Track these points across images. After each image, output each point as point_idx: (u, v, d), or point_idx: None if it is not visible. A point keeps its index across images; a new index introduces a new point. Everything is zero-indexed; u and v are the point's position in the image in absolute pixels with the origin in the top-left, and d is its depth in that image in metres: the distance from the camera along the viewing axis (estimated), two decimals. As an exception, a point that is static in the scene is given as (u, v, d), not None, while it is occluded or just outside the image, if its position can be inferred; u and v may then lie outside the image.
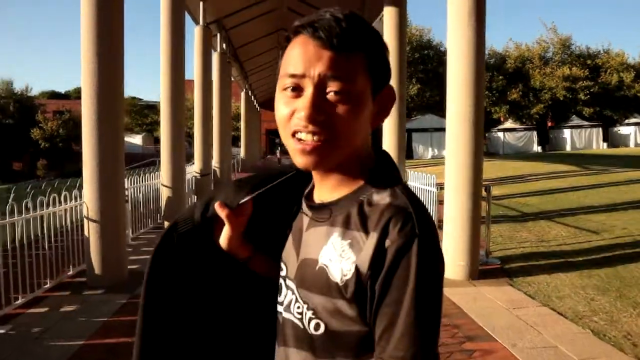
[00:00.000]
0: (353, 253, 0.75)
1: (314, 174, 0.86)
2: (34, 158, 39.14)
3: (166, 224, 8.43)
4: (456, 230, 5.43)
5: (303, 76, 0.75)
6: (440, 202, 7.48)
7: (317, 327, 0.79)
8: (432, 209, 7.27)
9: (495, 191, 12.49)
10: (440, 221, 7.09)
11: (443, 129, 22.03)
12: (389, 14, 8.92)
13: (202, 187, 11.91)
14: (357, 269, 0.74)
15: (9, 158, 40.11)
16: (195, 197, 11.74)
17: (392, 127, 8.55)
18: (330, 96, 0.75)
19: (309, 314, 0.80)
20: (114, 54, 5.03)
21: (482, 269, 5.59)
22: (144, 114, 44.82)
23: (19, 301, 4.42)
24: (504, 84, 33.17)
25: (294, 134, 0.78)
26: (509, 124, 34.03)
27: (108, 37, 4.95)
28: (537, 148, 32.92)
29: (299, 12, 13.18)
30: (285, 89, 0.78)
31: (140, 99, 48.18)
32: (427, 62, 34.03)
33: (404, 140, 8.68)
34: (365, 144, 0.83)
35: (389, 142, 8.60)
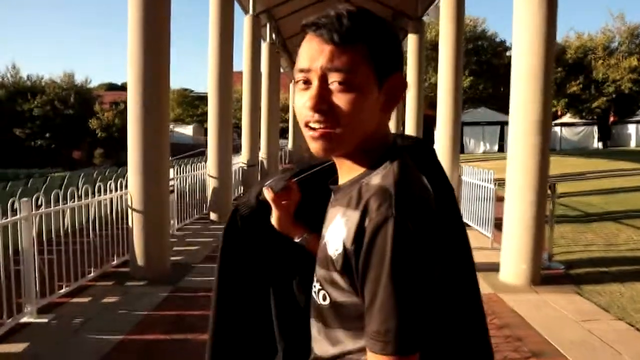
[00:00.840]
0: (345, 230, 0.80)
1: (334, 159, 0.92)
2: (92, 147, 40.79)
3: (212, 214, 8.36)
4: (518, 231, 4.99)
5: (309, 70, 0.83)
6: (498, 200, 7.02)
7: (324, 298, 0.86)
8: (488, 206, 6.80)
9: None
10: (498, 219, 6.66)
11: (496, 123, 21.34)
12: (445, 1, 8.45)
13: (249, 178, 11.84)
14: (343, 244, 0.80)
15: (69, 147, 42.05)
16: (242, 187, 11.70)
17: (446, 119, 8.09)
18: (333, 87, 0.82)
19: (317, 285, 0.88)
20: (160, 45, 4.91)
21: (544, 274, 5.13)
22: (194, 105, 45.67)
23: (63, 290, 4.38)
24: (562, 76, 31.44)
25: (306, 124, 0.85)
26: (567, 118, 32.30)
27: (154, 28, 4.83)
28: (597, 144, 31.08)
29: (350, 1, 12.85)
30: (297, 83, 0.86)
31: (192, 90, 49.11)
32: (481, 54, 32.80)
33: (459, 133, 8.22)
34: (377, 130, 0.87)
35: (442, 134, 8.15)
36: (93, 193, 5.06)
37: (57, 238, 4.47)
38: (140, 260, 4.93)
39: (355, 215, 0.79)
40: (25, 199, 3.87)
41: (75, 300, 4.36)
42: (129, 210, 4.98)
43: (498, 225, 6.60)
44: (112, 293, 4.52)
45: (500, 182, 7.13)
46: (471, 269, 0.97)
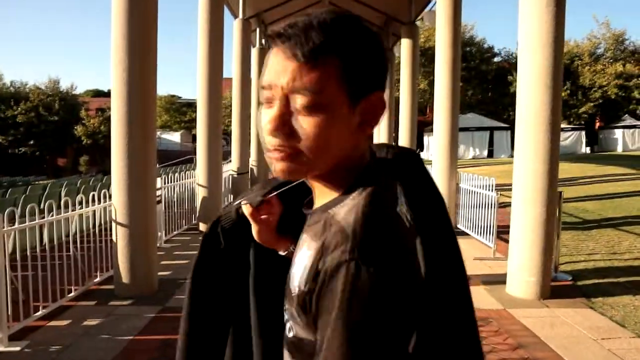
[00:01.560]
0: (304, 266, 0.72)
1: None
2: (77, 154, 40.18)
3: (201, 225, 8.02)
4: (525, 242, 4.74)
5: (272, 87, 0.72)
6: (500, 206, 6.80)
7: (289, 329, 0.79)
8: (490, 214, 6.56)
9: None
10: (502, 227, 6.43)
11: (485, 129, 21.30)
12: (442, 4, 8.23)
13: (239, 186, 11.51)
14: (299, 283, 0.73)
15: (54, 154, 41.34)
16: (232, 196, 11.36)
17: (443, 125, 7.86)
18: (297, 108, 0.71)
19: (285, 315, 0.80)
20: (146, 51, 4.59)
21: (552, 286, 4.89)
22: (182, 112, 45.37)
23: (39, 312, 4.02)
24: (551, 81, 31.61)
25: (266, 146, 0.76)
26: (555, 123, 32.46)
27: (140, 33, 4.51)
28: (585, 149, 31.25)
29: (339, 6, 12.64)
30: (262, 100, 0.76)
31: (179, 97, 48.72)
32: (470, 60, 32.81)
33: (456, 140, 7.98)
34: (352, 152, 0.76)
35: (439, 141, 7.92)
36: (74, 205, 4.69)
37: (35, 254, 4.11)
38: (125, 278, 4.59)
39: (314, 253, 0.71)
40: (-4, 213, 3.52)
41: (52, 323, 3.99)
42: (113, 224, 4.64)
43: (498, 233, 6.41)
44: (94, 314, 4.16)
45: (498, 189, 6.91)
46: (463, 283, 0.87)
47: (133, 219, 4.56)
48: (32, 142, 39.43)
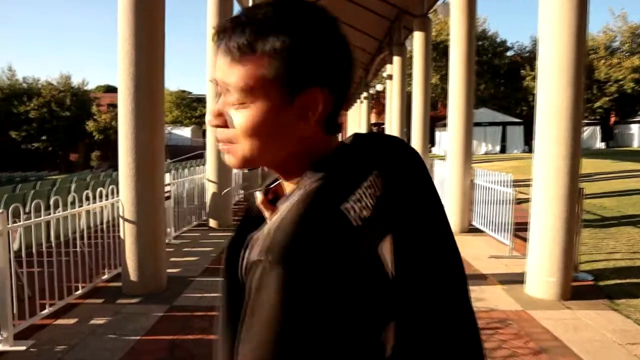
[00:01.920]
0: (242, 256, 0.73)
1: None
2: (89, 149, 40.43)
3: (211, 221, 7.92)
4: (545, 241, 4.57)
5: (217, 83, 0.73)
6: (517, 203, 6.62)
7: None
8: (506, 212, 6.37)
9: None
10: (520, 224, 6.24)
11: (497, 124, 21.01)
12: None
13: (250, 181, 11.41)
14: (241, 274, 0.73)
15: (66, 149, 41.64)
16: (243, 191, 11.27)
17: (458, 121, 7.67)
18: (228, 102, 0.72)
19: None
20: (154, 43, 4.46)
21: (572, 286, 4.70)
22: (192, 107, 45.46)
23: (46, 311, 3.93)
24: (565, 76, 31.05)
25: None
26: (569, 118, 31.92)
27: (147, 24, 4.39)
28: (600, 144, 30.72)
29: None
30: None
31: (190, 92, 48.80)
32: (482, 54, 32.39)
33: (471, 136, 7.77)
34: (298, 146, 0.73)
35: (454, 137, 7.72)
36: (82, 201, 4.60)
37: (41, 250, 4.02)
38: (133, 275, 4.50)
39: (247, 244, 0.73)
40: (0, 210, 3.42)
41: (59, 322, 3.90)
42: (120, 221, 4.54)
43: (514, 231, 6.22)
44: (101, 313, 4.07)
45: (513, 185, 6.72)
46: (461, 278, 0.78)
47: (141, 215, 4.46)
48: (44, 138, 39.75)
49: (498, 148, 29.75)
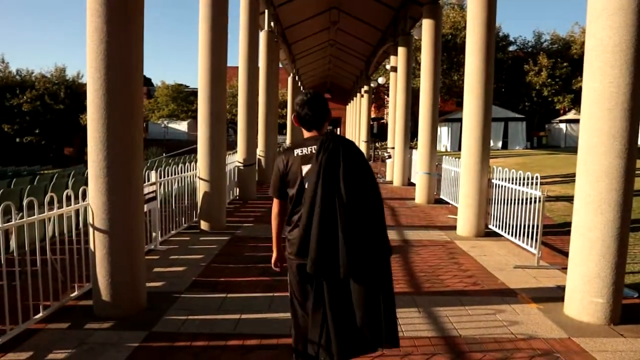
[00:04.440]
0: None
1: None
2: (84, 143, 39.56)
3: (203, 223, 7.22)
4: (592, 255, 3.88)
5: None
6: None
7: None
8: (532, 217, 5.68)
9: (569, 190, 10.66)
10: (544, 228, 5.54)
11: (500, 119, 20.27)
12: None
13: (246, 179, 10.69)
14: None
15: (60, 143, 40.76)
16: (238, 190, 10.55)
17: (473, 119, 6.96)
18: None
19: None
20: (129, 16, 3.74)
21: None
22: (189, 100, 44.70)
23: (-5, 341, 3.22)
24: (568, 71, 30.32)
25: None
26: (572, 114, 31.19)
27: (122, 8, 3.67)
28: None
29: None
30: None
31: (187, 86, 47.94)
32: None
33: (489, 134, 7.06)
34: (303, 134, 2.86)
35: (469, 136, 7.02)
36: (51, 203, 3.88)
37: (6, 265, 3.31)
38: (105, 294, 3.78)
39: None
40: None
41: (9, 356, 3.19)
42: (90, 229, 3.82)
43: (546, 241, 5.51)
44: (64, 343, 3.35)
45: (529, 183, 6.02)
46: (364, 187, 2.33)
47: (114, 223, 3.74)
48: (37, 131, 38.90)
49: (500, 144, 29.12)
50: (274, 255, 2.72)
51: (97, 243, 3.76)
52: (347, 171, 2.24)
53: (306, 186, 2.32)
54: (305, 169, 2.37)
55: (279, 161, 2.50)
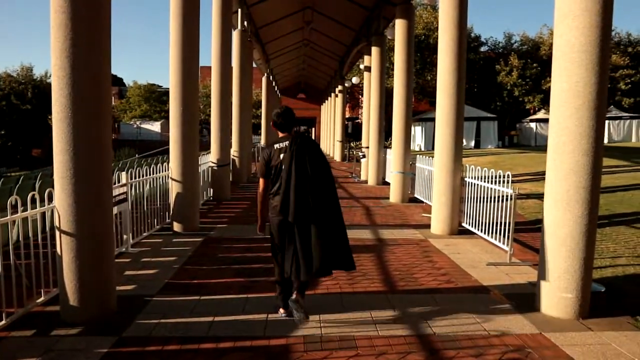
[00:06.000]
0: None
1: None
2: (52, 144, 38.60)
3: (176, 225, 7.10)
4: (561, 252, 3.96)
5: None
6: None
7: None
8: (504, 214, 5.77)
9: (540, 188, 10.89)
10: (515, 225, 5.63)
11: (472, 119, 20.61)
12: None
13: (220, 179, 10.57)
14: None
15: (28, 144, 39.64)
16: (212, 190, 10.43)
17: (445, 118, 7.04)
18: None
19: None
20: (95, 15, 3.61)
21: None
22: (162, 101, 44.09)
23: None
24: (538, 72, 31.04)
25: None
26: (542, 114, 31.93)
27: (87, 4, 3.56)
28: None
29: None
30: None
31: (160, 86, 47.29)
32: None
33: (461, 134, 7.15)
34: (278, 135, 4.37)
35: (441, 135, 7.09)
36: (15, 206, 3.74)
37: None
38: (72, 299, 3.67)
39: None
40: None
41: (-31, 366, 3.07)
42: (56, 232, 3.70)
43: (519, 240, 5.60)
44: (29, 351, 3.23)
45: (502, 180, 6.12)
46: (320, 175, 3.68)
47: (82, 226, 3.63)
48: (3, 132, 37.80)
49: (472, 143, 29.56)
50: (259, 222, 3.97)
51: (64, 246, 3.64)
52: (311, 156, 3.62)
53: (283, 168, 3.62)
54: (282, 156, 3.68)
55: (265, 153, 3.82)
